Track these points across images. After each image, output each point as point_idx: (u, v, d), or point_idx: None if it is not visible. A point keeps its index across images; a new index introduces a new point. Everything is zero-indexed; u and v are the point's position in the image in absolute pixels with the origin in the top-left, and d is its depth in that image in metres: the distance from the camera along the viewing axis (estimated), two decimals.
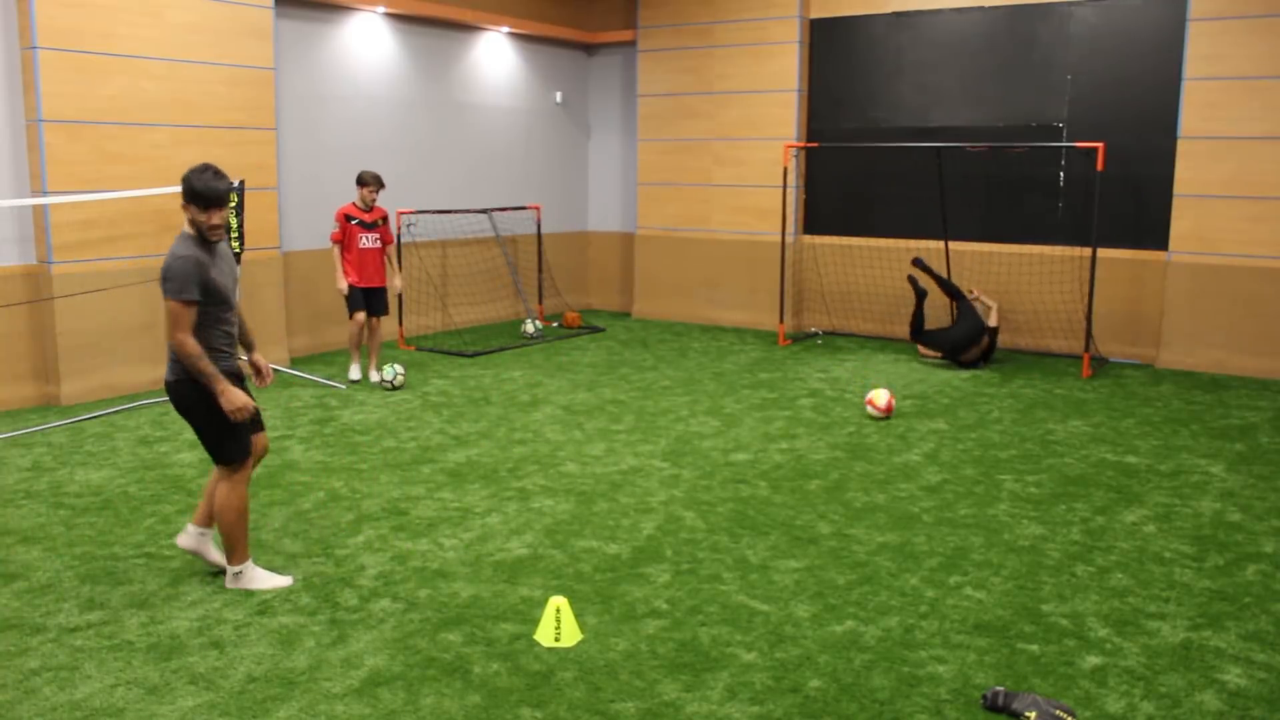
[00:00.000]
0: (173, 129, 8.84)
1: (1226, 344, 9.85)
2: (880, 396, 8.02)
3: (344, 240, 8.98)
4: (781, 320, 11.48)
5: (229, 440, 4.67)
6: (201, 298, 4.49)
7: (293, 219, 10.25)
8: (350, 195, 10.83)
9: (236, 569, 4.81)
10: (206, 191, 4.48)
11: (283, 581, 4.88)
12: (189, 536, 4.95)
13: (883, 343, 11.48)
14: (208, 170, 4.53)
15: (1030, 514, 5.87)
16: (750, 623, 4.47)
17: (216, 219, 4.55)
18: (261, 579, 4.86)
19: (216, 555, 4.97)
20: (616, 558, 5.20)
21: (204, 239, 4.58)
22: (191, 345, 4.46)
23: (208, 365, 4.50)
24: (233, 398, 4.52)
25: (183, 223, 4.67)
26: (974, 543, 5.43)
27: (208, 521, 4.93)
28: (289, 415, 8.01)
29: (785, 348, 11.17)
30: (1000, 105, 11.00)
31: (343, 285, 9.01)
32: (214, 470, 4.83)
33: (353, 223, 9.00)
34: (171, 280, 4.44)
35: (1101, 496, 6.20)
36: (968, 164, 11.08)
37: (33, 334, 8.23)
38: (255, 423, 4.84)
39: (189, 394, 4.60)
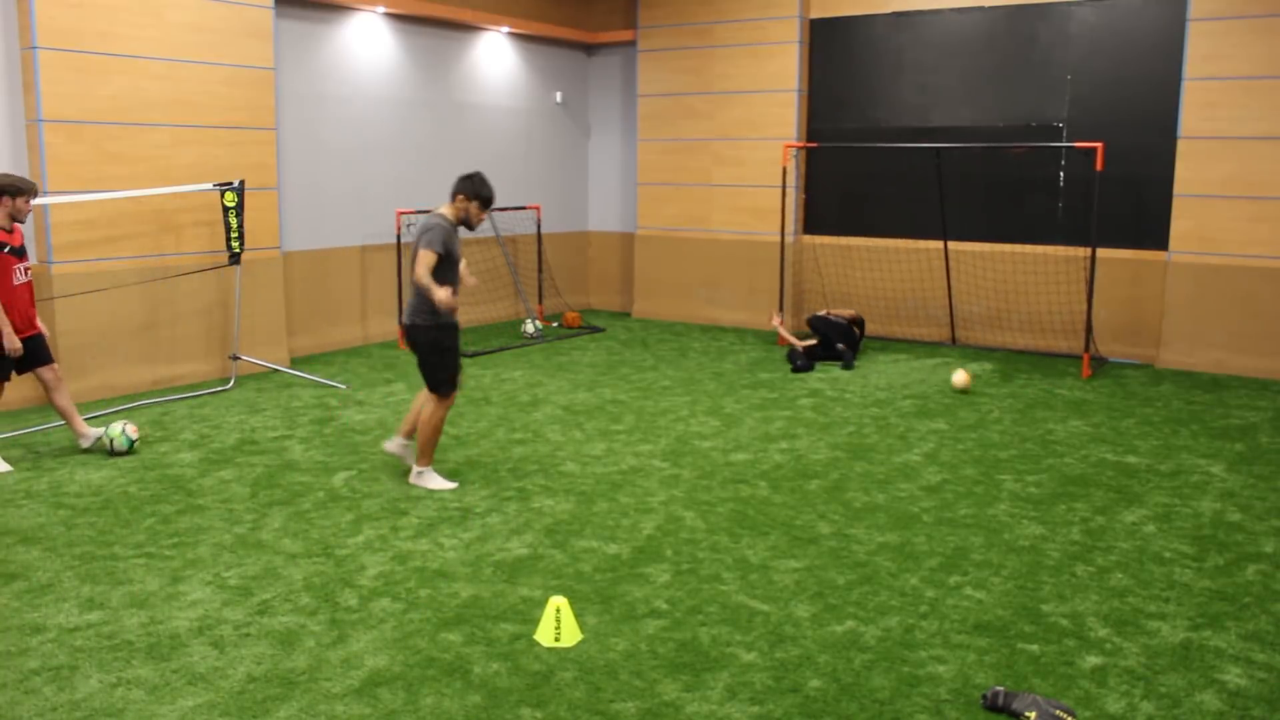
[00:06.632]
0: (173, 129, 8.84)
1: (1226, 344, 9.84)
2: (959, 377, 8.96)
3: None
4: (781, 320, 11.48)
5: (442, 376, 6.11)
6: (443, 254, 5.90)
7: (293, 219, 10.24)
8: (349, 195, 10.86)
9: (420, 469, 6.26)
10: (491, 196, 6.07)
11: (449, 485, 6.21)
12: (394, 444, 6.45)
13: (883, 343, 11.47)
14: (487, 181, 6.08)
15: (1030, 514, 5.87)
16: (750, 623, 4.47)
17: (484, 215, 6.11)
18: (435, 481, 6.22)
19: (410, 460, 6.40)
20: (616, 558, 5.20)
21: (456, 223, 6.07)
22: (427, 276, 5.81)
23: (433, 283, 5.80)
24: (444, 297, 5.77)
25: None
26: (974, 543, 5.43)
27: (410, 433, 6.41)
28: (289, 415, 8.00)
29: (785, 347, 11.17)
30: (1000, 105, 11.00)
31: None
32: (424, 393, 6.22)
33: None
34: (429, 233, 5.91)
35: (1101, 496, 6.20)
36: (967, 164, 11.08)
37: None
38: (460, 373, 6.20)
39: (425, 334, 6.04)
